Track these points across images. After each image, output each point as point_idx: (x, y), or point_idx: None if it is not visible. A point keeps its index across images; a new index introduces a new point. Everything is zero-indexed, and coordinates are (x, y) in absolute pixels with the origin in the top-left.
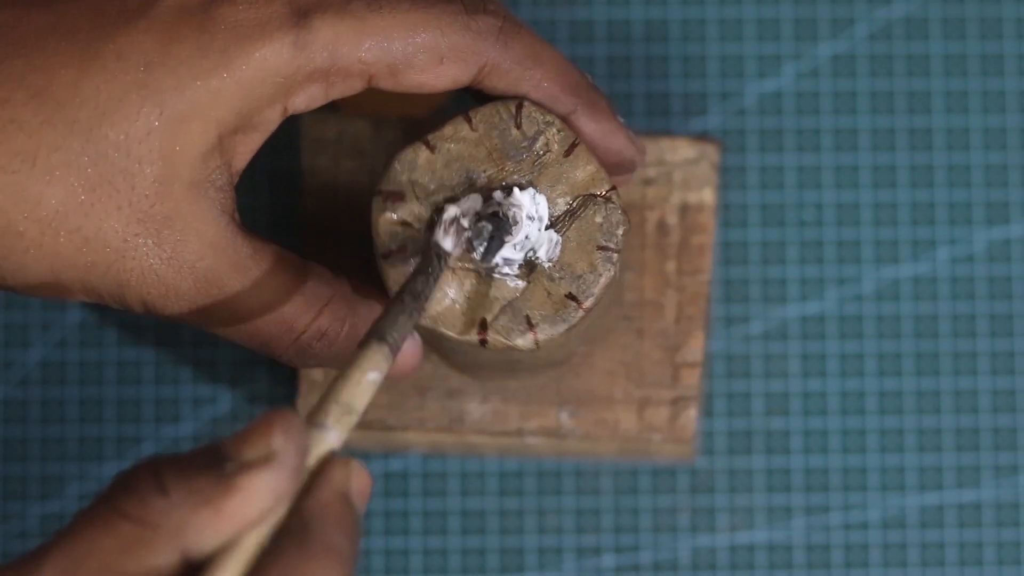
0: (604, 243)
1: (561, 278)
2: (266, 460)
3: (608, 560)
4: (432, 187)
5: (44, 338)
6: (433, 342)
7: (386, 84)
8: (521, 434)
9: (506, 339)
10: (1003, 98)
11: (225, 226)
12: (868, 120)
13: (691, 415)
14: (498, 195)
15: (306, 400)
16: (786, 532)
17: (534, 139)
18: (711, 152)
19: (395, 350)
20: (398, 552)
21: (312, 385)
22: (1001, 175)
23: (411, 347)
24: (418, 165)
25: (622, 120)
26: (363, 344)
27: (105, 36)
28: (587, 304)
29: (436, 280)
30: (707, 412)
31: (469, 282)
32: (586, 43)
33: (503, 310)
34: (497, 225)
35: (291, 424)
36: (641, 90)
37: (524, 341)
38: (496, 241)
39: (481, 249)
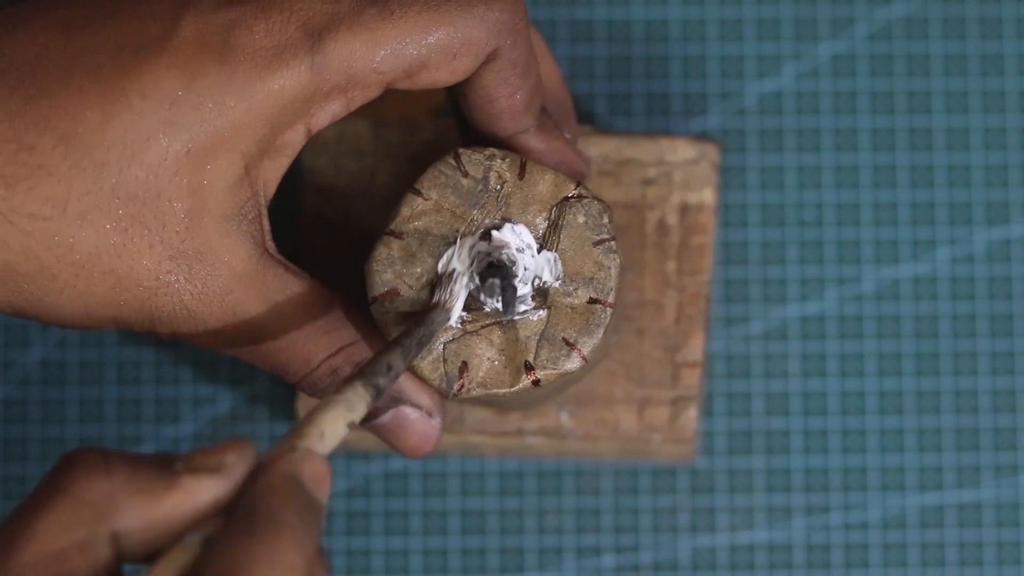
0: (597, 237)
1: (576, 288)
2: (214, 469)
3: (608, 560)
4: (418, 271)
5: (44, 338)
6: (489, 402)
7: (403, 86)
8: (521, 434)
9: (556, 368)
10: (1003, 98)
11: (256, 259)
12: (868, 120)
13: (691, 415)
14: (481, 245)
15: (306, 402)
16: (786, 532)
17: (485, 179)
18: (711, 152)
19: (376, 396)
20: (398, 552)
21: None
22: (1001, 175)
23: (428, 429)
24: (396, 257)
25: (567, 136)
26: (347, 381)
27: (128, 74)
28: (610, 299)
29: (433, 333)
30: (707, 412)
31: (496, 336)
32: (586, 43)
33: (540, 345)
34: (503, 274)
35: (247, 448)
36: (641, 90)
37: (572, 363)
38: (510, 290)
39: (500, 305)
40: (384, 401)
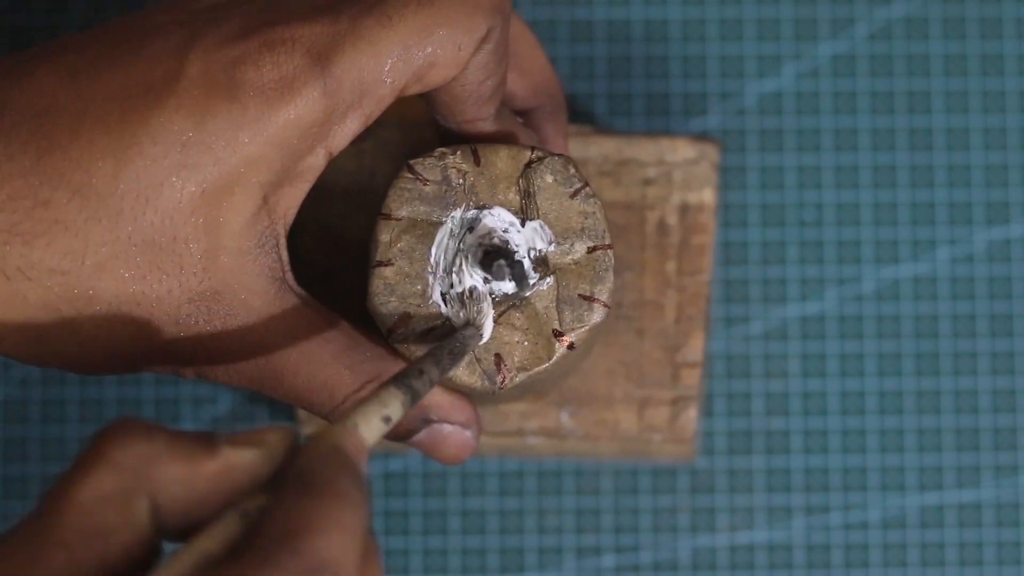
0: (572, 189)
1: (572, 244)
2: (255, 443)
3: (608, 560)
4: (419, 287)
5: None
6: (533, 388)
7: (415, 90)
8: (521, 434)
9: (584, 325)
10: (1003, 98)
11: (275, 293)
12: (868, 120)
13: (691, 415)
14: (469, 239)
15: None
16: (786, 532)
17: (446, 178)
18: (711, 152)
19: (411, 398)
20: (398, 552)
21: None
22: (1001, 175)
23: (464, 440)
24: (393, 285)
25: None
26: (382, 386)
27: (138, 119)
28: (607, 241)
29: (465, 348)
30: (707, 412)
31: (516, 318)
32: (586, 43)
33: (560, 309)
34: (504, 254)
35: (287, 431)
36: (641, 90)
37: (596, 315)
38: (517, 266)
39: (512, 284)
40: (418, 422)
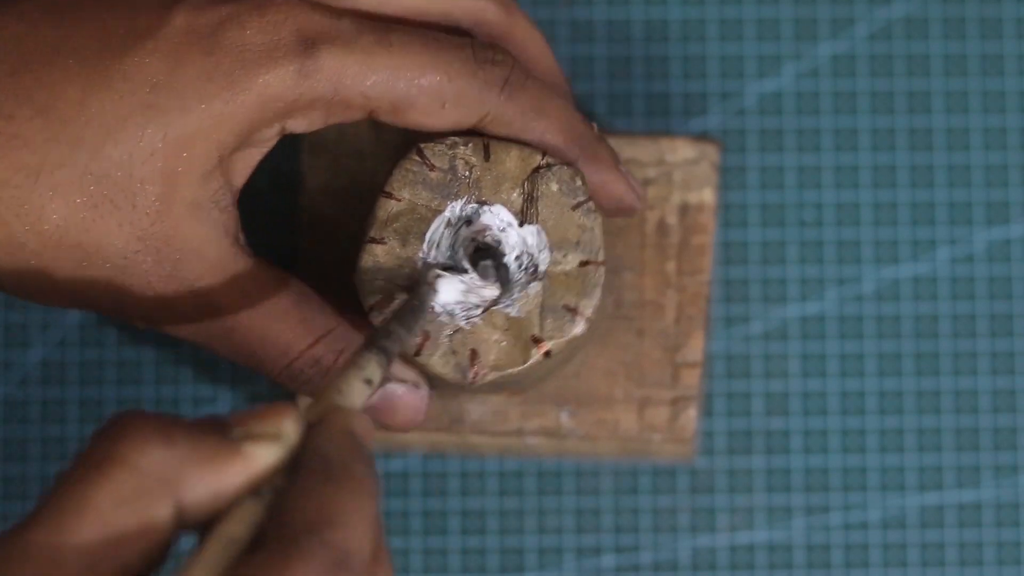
0: (575, 201)
1: (565, 254)
2: (273, 437)
3: (608, 560)
4: (407, 271)
5: (44, 338)
6: (504, 384)
7: (387, 119)
8: (521, 434)
9: (563, 336)
10: (1003, 98)
11: (227, 248)
12: (868, 120)
13: (691, 415)
14: (464, 232)
15: (305, 401)
16: (786, 532)
17: (453, 167)
18: (711, 152)
19: (384, 357)
20: (398, 552)
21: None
22: (1001, 175)
23: (416, 399)
24: (382, 263)
25: (623, 168)
26: (357, 351)
27: (112, 56)
28: (600, 258)
29: (424, 304)
30: (707, 412)
31: (499, 318)
32: (586, 43)
33: (542, 316)
34: (492, 254)
35: (297, 415)
36: (641, 90)
37: (577, 328)
38: (503, 268)
39: (497, 286)
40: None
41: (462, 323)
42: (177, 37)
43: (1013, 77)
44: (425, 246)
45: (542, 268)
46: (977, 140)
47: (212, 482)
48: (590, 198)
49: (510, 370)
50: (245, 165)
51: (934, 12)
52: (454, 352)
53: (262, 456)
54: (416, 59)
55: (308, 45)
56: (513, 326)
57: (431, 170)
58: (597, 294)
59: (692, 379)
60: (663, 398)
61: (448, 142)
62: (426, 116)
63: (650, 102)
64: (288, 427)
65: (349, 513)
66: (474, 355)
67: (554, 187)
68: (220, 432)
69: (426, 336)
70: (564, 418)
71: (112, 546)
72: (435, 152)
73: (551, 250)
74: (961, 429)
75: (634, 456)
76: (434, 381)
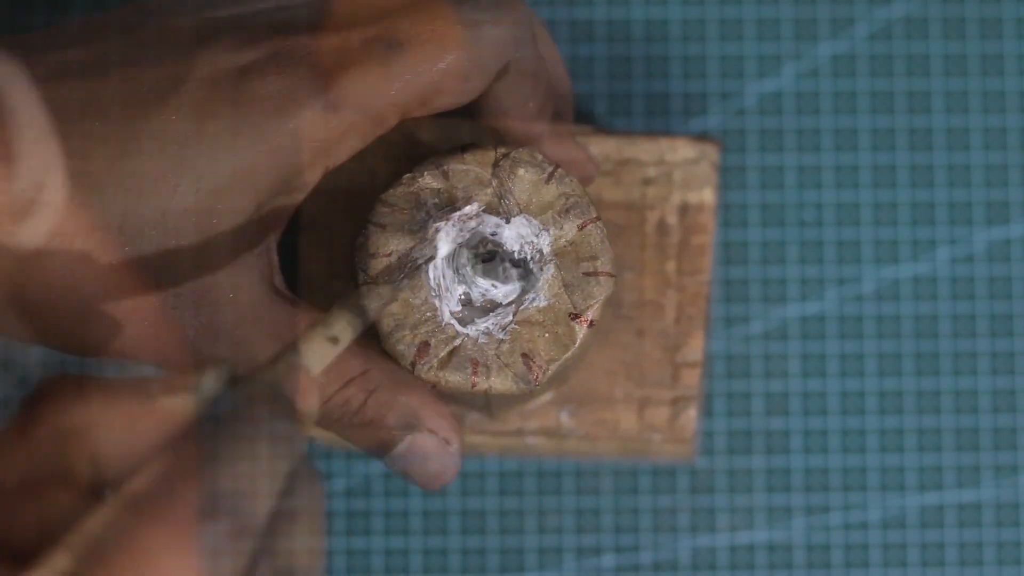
0: (544, 173)
1: (561, 227)
2: (191, 390)
3: (608, 560)
4: (428, 315)
5: None
6: (560, 375)
7: (418, 113)
8: (521, 434)
9: (596, 299)
10: (1003, 98)
11: (263, 294)
12: (868, 120)
13: (691, 415)
14: (463, 253)
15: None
16: (786, 532)
17: (421, 202)
18: (711, 152)
19: (363, 320)
20: (398, 552)
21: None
22: (1001, 175)
23: (446, 457)
24: (399, 316)
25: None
26: (330, 310)
27: (139, 116)
28: (593, 214)
29: (417, 263)
30: (707, 412)
31: (532, 315)
32: (586, 43)
33: (570, 293)
34: (504, 255)
35: (223, 368)
36: (641, 90)
37: (606, 285)
38: (520, 264)
39: (519, 286)
40: (400, 428)
41: (501, 336)
42: (201, 91)
43: (1013, 77)
44: (431, 284)
45: (547, 250)
46: (977, 140)
47: (125, 436)
48: (557, 164)
49: (565, 355)
50: (286, 211)
51: (934, 12)
52: (507, 365)
53: (174, 408)
54: (429, 48)
55: (328, 77)
56: (548, 315)
57: (401, 213)
58: (606, 247)
59: (692, 379)
60: (663, 398)
61: (404, 180)
62: (454, 96)
63: (650, 102)
64: (207, 380)
65: (224, 463)
66: (527, 358)
67: (520, 171)
68: (141, 389)
69: (424, 346)
70: (564, 418)
71: (32, 503)
72: (397, 195)
73: (547, 230)
74: (961, 429)
75: (634, 456)
76: (495, 402)
